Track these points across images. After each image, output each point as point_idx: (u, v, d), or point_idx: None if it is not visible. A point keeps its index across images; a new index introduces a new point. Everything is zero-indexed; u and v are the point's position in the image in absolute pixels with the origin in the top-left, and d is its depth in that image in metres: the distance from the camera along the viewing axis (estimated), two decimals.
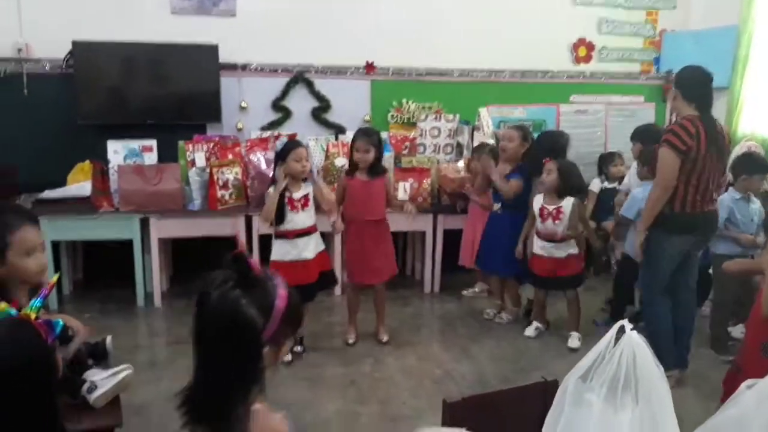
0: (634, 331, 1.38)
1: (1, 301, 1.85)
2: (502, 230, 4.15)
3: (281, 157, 3.60)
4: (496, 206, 4.19)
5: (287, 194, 3.56)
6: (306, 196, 3.62)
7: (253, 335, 1.29)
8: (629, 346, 1.37)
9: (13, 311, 1.74)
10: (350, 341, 3.92)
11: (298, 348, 3.74)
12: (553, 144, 4.33)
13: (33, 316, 1.69)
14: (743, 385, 1.58)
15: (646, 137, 4.32)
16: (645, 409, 1.38)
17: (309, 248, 3.63)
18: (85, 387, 2.46)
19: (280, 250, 3.60)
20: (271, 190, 3.58)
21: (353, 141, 3.80)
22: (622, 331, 1.39)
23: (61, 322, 1.72)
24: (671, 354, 3.43)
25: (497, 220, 4.20)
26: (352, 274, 3.92)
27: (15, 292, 1.91)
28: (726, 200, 3.90)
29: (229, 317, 1.28)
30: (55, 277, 2.30)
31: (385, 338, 3.94)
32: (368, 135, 3.79)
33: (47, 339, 1.61)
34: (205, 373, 1.31)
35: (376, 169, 3.78)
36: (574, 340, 3.95)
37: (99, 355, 3.46)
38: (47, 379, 1.60)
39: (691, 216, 3.30)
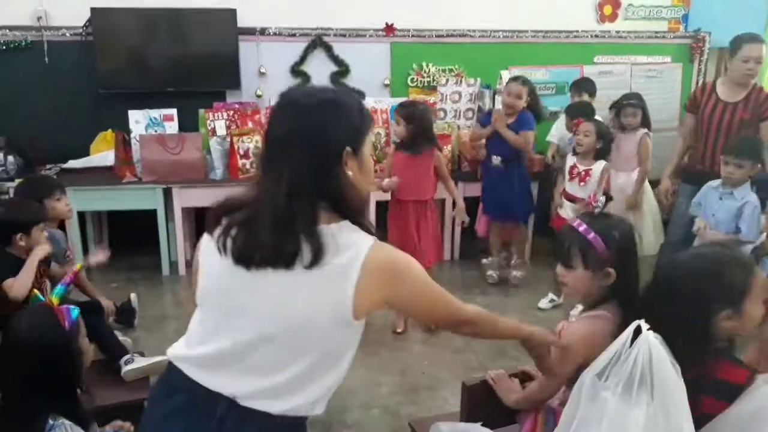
0: (651, 332, 1.39)
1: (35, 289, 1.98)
2: (505, 180, 4.17)
3: None
4: (496, 159, 4.18)
5: None
6: None
7: None
8: (645, 347, 1.38)
9: (41, 297, 1.85)
10: (398, 330, 3.72)
11: None
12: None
13: (56, 302, 1.79)
14: (760, 378, 1.59)
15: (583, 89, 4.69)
16: (659, 406, 1.40)
17: None
18: (125, 358, 2.62)
19: None
20: None
21: None
22: (638, 331, 1.40)
23: (77, 310, 1.80)
24: None
25: (498, 172, 4.20)
26: None
27: None
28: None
29: None
30: (78, 265, 2.42)
31: (434, 326, 3.73)
32: (402, 106, 3.64)
33: (65, 324, 1.73)
34: None
35: (414, 144, 3.58)
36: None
37: (127, 313, 3.66)
38: (62, 359, 1.73)
39: None
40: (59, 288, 1.97)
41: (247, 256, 1.30)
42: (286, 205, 1.27)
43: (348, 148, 1.33)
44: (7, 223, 2.58)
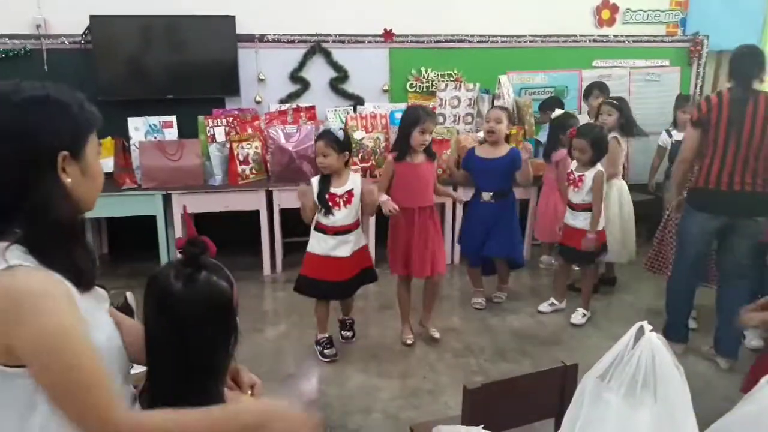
0: (653, 333, 1.38)
1: None
2: (499, 216, 3.97)
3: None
4: (487, 195, 3.98)
5: (329, 189, 3.27)
6: (350, 192, 3.29)
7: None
8: (648, 348, 1.37)
9: None
10: (408, 342, 3.61)
11: (349, 334, 3.70)
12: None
13: None
14: (763, 379, 1.58)
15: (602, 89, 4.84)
16: (664, 408, 1.39)
17: (345, 247, 3.32)
18: None
19: (316, 243, 3.34)
20: (312, 181, 3.34)
21: (416, 121, 3.40)
22: (641, 332, 1.39)
23: None
24: (680, 329, 3.47)
25: (488, 208, 3.97)
26: (395, 265, 3.58)
27: None
28: None
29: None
30: None
31: (436, 335, 3.66)
32: (434, 116, 3.53)
33: None
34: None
35: (429, 151, 3.53)
36: (577, 316, 3.92)
37: (125, 312, 3.61)
38: None
39: (711, 193, 3.17)
40: None
41: None
42: None
43: (64, 153, 1.14)
44: None
